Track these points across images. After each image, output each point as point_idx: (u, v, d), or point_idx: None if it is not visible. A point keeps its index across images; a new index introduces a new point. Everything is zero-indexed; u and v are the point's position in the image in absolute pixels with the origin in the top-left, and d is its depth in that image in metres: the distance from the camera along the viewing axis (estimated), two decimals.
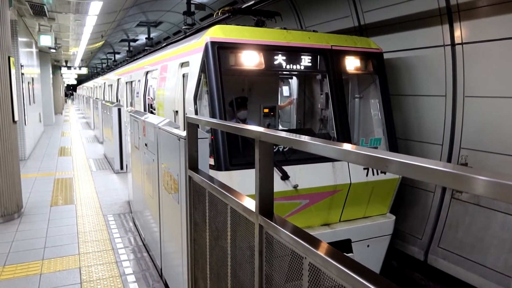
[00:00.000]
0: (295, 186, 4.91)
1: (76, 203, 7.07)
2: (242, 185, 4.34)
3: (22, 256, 4.85)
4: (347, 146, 1.34)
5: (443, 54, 5.91)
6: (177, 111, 6.36)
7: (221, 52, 5.01)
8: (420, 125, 6.50)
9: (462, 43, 5.63)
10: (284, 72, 7.04)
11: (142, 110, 8.77)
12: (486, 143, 5.48)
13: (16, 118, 6.24)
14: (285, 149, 5.09)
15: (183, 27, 13.12)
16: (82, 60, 28.65)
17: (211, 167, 4.58)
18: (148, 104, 9.26)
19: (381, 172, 5.52)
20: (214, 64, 4.91)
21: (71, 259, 4.78)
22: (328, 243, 1.52)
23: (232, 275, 2.27)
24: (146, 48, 18.80)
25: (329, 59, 5.59)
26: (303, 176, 5.00)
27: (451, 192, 5.99)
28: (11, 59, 6.20)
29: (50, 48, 15.21)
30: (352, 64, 5.81)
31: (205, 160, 3.18)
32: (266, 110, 6.96)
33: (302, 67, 5.54)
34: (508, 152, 5.19)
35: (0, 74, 5.86)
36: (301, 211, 5.14)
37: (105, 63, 35.40)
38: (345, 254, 1.41)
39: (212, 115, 4.83)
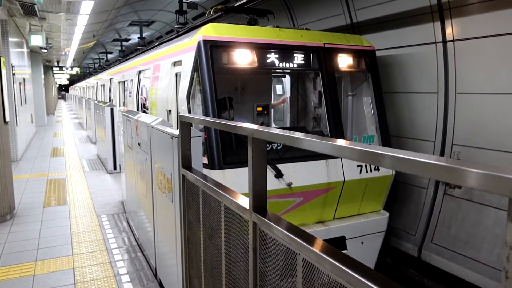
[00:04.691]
0: (289, 184, 4.92)
1: (69, 203, 7.02)
2: (236, 183, 4.34)
3: (15, 258, 4.80)
4: (339, 142, 1.34)
5: (434, 51, 5.94)
6: (170, 110, 6.34)
7: (213, 50, 4.99)
8: (413, 122, 6.53)
9: (453, 40, 5.67)
10: (277, 70, 7.04)
11: (135, 110, 8.72)
12: (478, 139, 5.52)
13: (7, 119, 6.18)
14: (278, 147, 5.09)
15: (176, 26, 13.08)
16: (74, 60, 28.43)
17: (205, 166, 4.57)
18: (141, 104, 9.22)
19: (375, 169, 5.54)
20: (207, 63, 4.90)
21: (64, 260, 4.75)
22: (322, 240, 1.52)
23: (227, 273, 2.26)
24: (138, 47, 18.70)
25: (322, 57, 5.60)
26: (297, 174, 5.01)
27: (444, 188, 6.03)
28: (2, 59, 6.14)
29: (41, 48, 15.09)
30: (345, 62, 5.82)
31: (199, 158, 3.17)
32: (259, 109, 6.95)
33: (295, 65, 5.53)
34: (500, 148, 5.24)
35: None
36: (295, 209, 5.14)
37: (97, 63, 35.20)
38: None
39: (205, 114, 4.82)
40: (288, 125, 7.44)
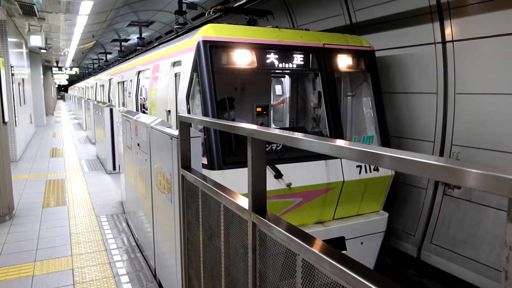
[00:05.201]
0: (289, 185, 4.91)
1: (68, 204, 7.01)
2: (236, 184, 4.34)
3: (14, 258, 4.79)
4: (339, 142, 1.34)
5: (434, 52, 5.95)
6: (169, 111, 6.33)
7: (213, 51, 4.99)
8: (412, 122, 6.54)
9: (452, 41, 5.67)
10: (277, 71, 7.05)
11: (134, 110, 8.72)
12: (477, 139, 5.52)
13: (6, 119, 6.17)
14: (278, 148, 5.09)
15: (175, 27, 13.08)
16: (73, 60, 28.41)
17: (204, 166, 4.57)
18: (141, 104, 9.22)
19: (374, 170, 5.54)
20: (206, 63, 4.90)
21: (63, 261, 4.74)
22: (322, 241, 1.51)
23: (226, 274, 2.26)
24: (137, 48, 18.70)
25: (321, 58, 5.60)
26: (297, 175, 5.00)
27: (443, 189, 6.03)
28: (1, 59, 6.14)
29: (40, 48, 15.07)
30: (344, 62, 5.83)
31: (198, 159, 3.17)
32: (259, 109, 6.96)
33: (295, 66, 5.54)
34: (499, 148, 5.24)
35: None
36: (295, 209, 5.14)
37: (96, 64, 35.17)
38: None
39: (205, 114, 4.81)
40: (287, 125, 7.44)
